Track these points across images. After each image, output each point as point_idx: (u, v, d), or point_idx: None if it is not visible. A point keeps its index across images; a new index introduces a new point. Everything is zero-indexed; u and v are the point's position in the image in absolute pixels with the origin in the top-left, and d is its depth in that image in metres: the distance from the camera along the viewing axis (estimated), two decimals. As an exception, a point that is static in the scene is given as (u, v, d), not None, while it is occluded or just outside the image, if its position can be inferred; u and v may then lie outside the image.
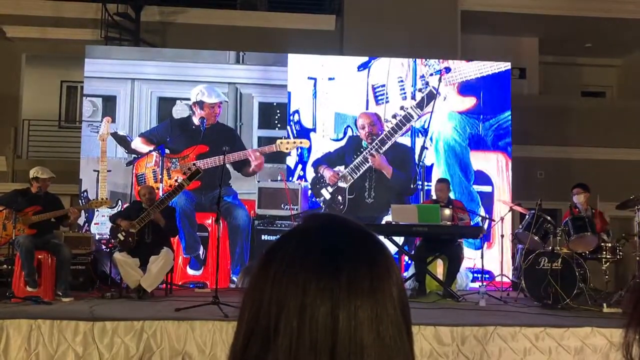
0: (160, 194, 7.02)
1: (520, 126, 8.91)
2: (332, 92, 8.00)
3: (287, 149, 7.06)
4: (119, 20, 9.96)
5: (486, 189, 8.29)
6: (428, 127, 7.36)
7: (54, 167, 6.80)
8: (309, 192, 7.28)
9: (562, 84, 12.28)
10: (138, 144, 7.73)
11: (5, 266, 6.58)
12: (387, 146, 7.23)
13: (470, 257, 7.82)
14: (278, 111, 7.97)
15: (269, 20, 10.37)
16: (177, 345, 4.74)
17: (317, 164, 7.05)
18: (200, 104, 6.75)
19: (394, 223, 6.87)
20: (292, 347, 0.66)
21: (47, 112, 11.56)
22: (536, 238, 6.65)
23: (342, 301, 0.67)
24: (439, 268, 7.41)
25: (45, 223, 6.42)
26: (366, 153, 6.64)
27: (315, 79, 7.93)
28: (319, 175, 6.25)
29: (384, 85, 7.79)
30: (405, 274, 7.22)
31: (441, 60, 8.39)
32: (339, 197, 5.60)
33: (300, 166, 7.43)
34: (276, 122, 7.93)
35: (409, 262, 7.53)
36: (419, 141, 7.36)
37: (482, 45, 10.70)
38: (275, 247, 0.74)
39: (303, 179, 7.34)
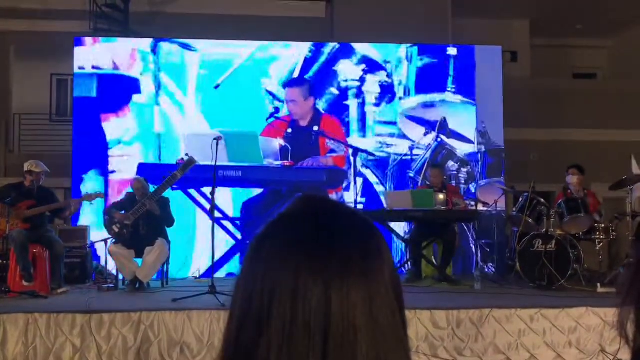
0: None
1: (512, 109, 8.91)
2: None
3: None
4: (108, 12, 9.87)
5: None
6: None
7: (46, 161, 6.77)
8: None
9: (554, 66, 12.28)
10: None
11: (0, 261, 6.56)
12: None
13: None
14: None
15: (259, 8, 10.30)
16: (175, 336, 4.75)
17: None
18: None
19: (388, 209, 6.88)
20: (285, 330, 0.66)
21: (38, 106, 11.48)
22: (530, 220, 6.68)
23: (335, 283, 0.67)
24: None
25: (39, 217, 6.40)
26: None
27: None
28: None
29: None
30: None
31: None
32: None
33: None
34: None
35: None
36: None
37: (473, 29, 10.67)
38: (266, 230, 0.73)
39: None
